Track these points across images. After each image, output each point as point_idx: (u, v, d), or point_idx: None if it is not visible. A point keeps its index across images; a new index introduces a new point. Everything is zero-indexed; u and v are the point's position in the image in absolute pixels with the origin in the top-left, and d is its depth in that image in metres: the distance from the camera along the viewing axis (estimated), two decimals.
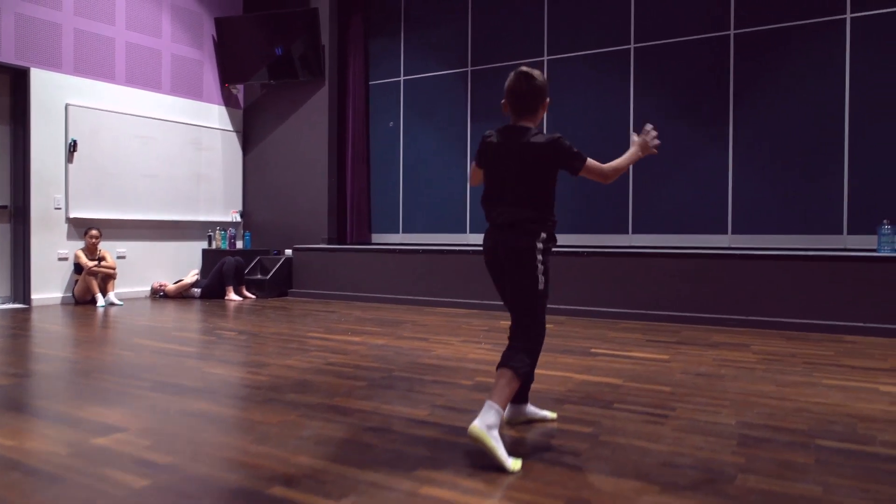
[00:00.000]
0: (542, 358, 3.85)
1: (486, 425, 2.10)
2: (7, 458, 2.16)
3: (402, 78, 8.06)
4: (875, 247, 5.32)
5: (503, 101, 2.44)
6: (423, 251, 7.00)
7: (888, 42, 5.52)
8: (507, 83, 2.42)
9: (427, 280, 6.89)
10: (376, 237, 8.30)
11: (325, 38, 8.01)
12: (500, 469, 2.06)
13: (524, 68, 2.41)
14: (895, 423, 2.64)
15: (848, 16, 5.68)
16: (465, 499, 1.86)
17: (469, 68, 7.55)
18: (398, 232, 8.12)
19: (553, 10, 7.04)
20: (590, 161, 2.38)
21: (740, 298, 5.33)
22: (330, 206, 8.14)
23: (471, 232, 7.55)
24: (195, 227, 8.14)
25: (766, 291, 5.25)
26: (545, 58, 7.05)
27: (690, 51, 6.36)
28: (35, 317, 5.80)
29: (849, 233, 5.69)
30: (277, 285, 7.72)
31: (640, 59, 6.60)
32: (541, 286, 2.31)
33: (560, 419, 2.67)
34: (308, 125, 8.24)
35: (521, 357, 2.26)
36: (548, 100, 2.45)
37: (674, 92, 6.44)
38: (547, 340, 4.75)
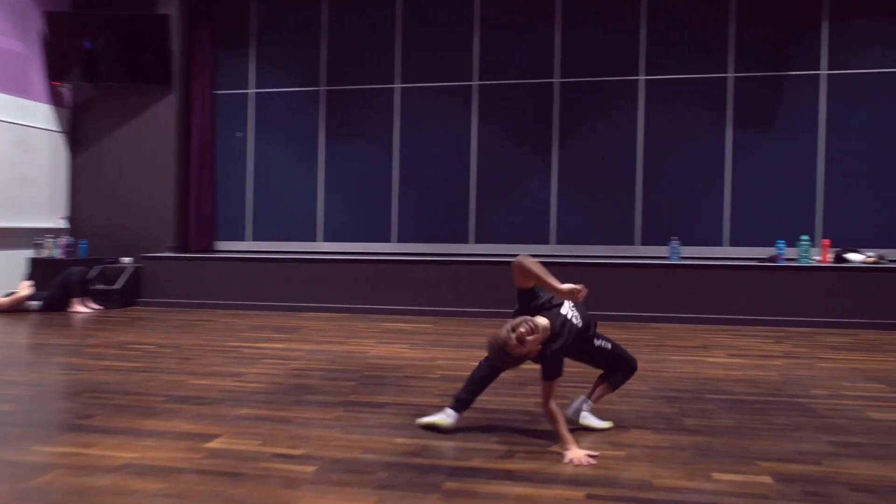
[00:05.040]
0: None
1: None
2: (159, 468, 2.50)
3: (251, 90, 8.30)
4: (665, 255, 7.05)
5: None
6: (287, 259, 7.43)
7: (672, 100, 7.31)
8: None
9: (289, 287, 7.33)
10: (221, 244, 8.41)
11: (174, 46, 7.94)
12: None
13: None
14: (735, 381, 4.01)
15: (641, 77, 7.39)
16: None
17: (323, 87, 8.08)
18: (245, 239, 8.35)
19: (406, 42, 7.87)
20: None
21: None
22: (176, 214, 8.09)
23: (324, 240, 8.10)
24: (19, 235, 7.55)
25: (591, 291, 6.68)
26: (397, 85, 7.87)
27: (523, 92, 7.65)
28: None
29: (641, 244, 7.41)
30: (125, 295, 7.53)
31: (483, 94, 7.75)
32: None
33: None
34: (150, 130, 8.08)
35: None
36: None
37: (509, 124, 7.69)
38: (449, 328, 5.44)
